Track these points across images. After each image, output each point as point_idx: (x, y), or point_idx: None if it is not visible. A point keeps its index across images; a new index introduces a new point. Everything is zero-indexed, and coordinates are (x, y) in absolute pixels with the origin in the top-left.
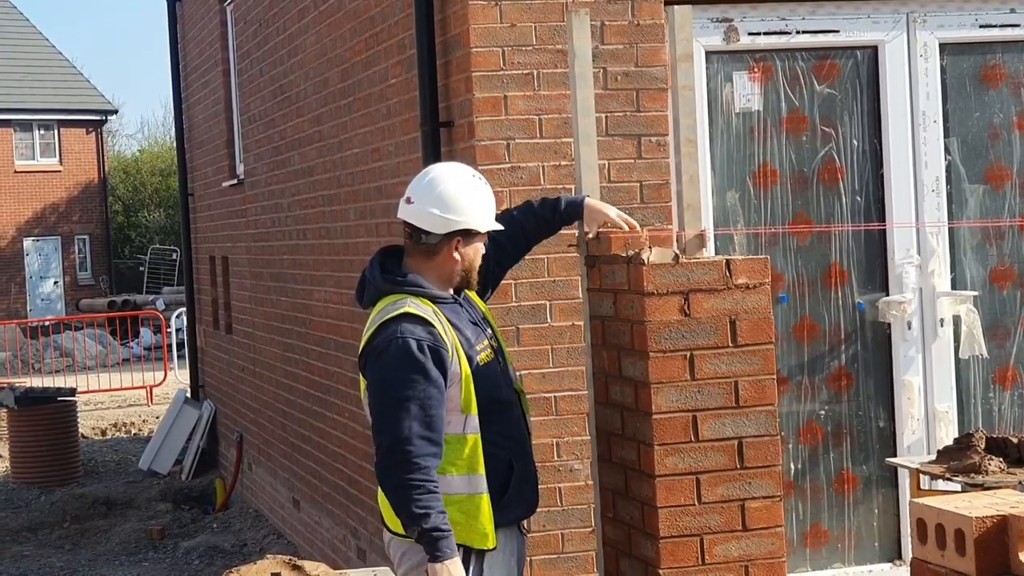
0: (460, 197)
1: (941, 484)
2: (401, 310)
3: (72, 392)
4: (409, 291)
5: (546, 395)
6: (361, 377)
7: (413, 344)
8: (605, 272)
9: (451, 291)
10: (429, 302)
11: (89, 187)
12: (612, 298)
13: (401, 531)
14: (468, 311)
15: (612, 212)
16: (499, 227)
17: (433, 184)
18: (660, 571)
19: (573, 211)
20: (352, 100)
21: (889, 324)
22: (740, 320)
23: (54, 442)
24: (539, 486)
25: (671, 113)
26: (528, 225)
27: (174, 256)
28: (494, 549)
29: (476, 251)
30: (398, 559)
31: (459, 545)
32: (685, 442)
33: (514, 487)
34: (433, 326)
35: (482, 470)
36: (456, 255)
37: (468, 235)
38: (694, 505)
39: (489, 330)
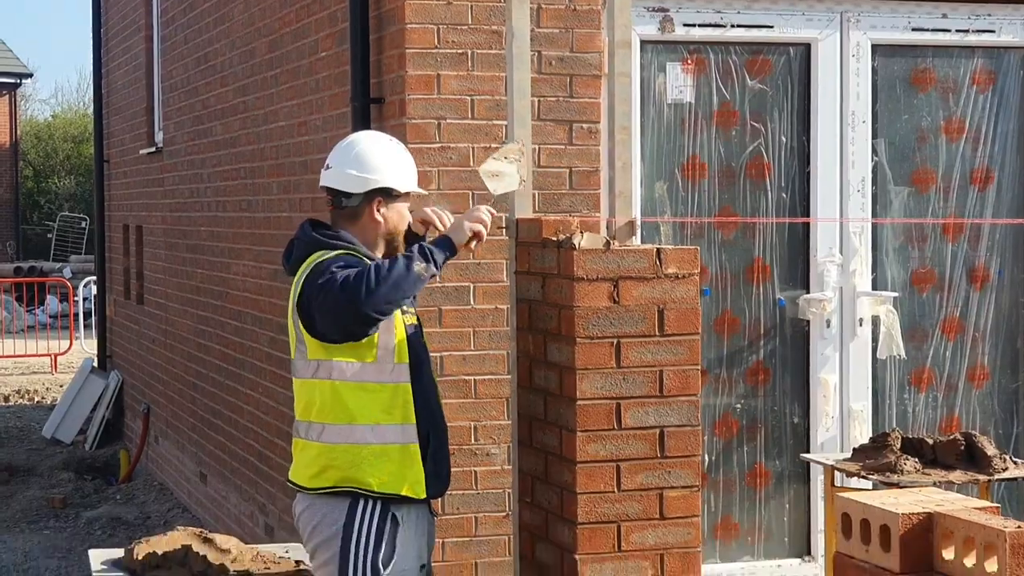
0: (377, 157)
1: (855, 482)
2: (339, 251)
3: None
4: (342, 247)
5: (466, 378)
6: (296, 329)
7: (351, 260)
8: (534, 255)
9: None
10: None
11: (0, 151)
12: (540, 282)
13: (314, 485)
14: None
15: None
16: (421, 190)
17: (350, 147)
18: (576, 556)
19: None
20: (279, 72)
21: (808, 321)
22: (668, 309)
23: None
24: (453, 468)
25: (606, 100)
26: None
27: (83, 224)
28: (411, 509)
29: (399, 214)
30: (309, 531)
31: (385, 499)
32: (607, 429)
33: (429, 462)
34: None
35: (414, 420)
36: (378, 216)
37: (389, 196)
38: (613, 492)
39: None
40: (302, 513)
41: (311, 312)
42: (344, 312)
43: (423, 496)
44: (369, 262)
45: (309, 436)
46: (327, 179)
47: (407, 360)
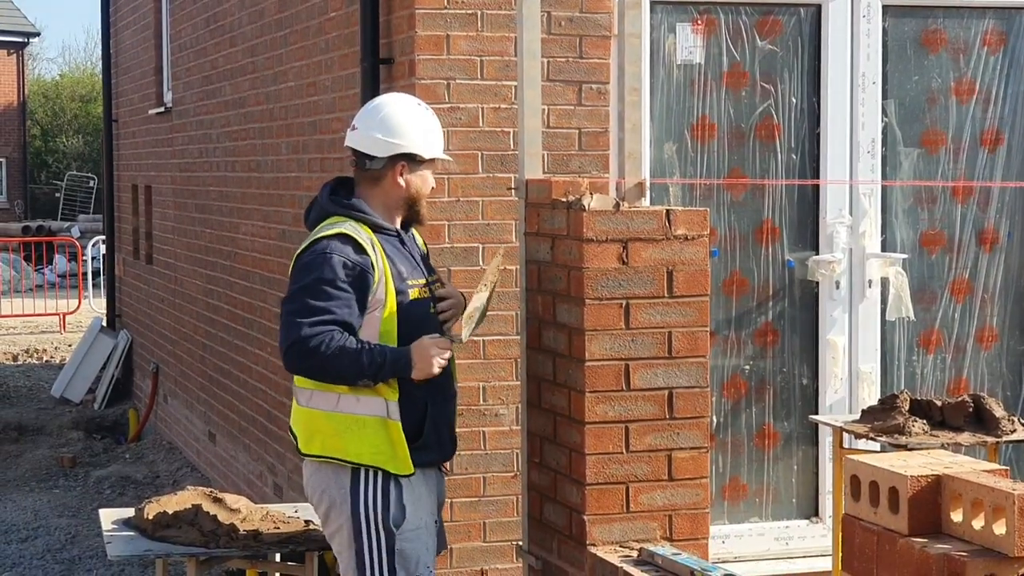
0: (402, 121)
1: (863, 444)
2: (336, 230)
3: None
4: (352, 215)
5: (474, 339)
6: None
7: (336, 259)
8: (544, 216)
9: (398, 224)
10: (369, 229)
11: (8, 110)
12: (550, 243)
13: (307, 451)
14: (409, 248)
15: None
16: (447, 157)
17: (377, 110)
18: (585, 517)
19: None
20: (288, 32)
21: (817, 283)
22: (677, 271)
23: None
24: (462, 429)
25: (616, 60)
26: None
27: (91, 183)
28: (412, 475)
29: (423, 180)
30: (318, 496)
31: (382, 471)
32: (616, 390)
33: (429, 430)
34: (364, 250)
35: (396, 398)
36: (400, 181)
37: (412, 161)
38: (622, 453)
39: (426, 274)
40: (309, 480)
41: None
42: (280, 337)
43: (409, 472)
44: (367, 237)
45: (300, 400)
46: (351, 140)
47: (393, 342)
